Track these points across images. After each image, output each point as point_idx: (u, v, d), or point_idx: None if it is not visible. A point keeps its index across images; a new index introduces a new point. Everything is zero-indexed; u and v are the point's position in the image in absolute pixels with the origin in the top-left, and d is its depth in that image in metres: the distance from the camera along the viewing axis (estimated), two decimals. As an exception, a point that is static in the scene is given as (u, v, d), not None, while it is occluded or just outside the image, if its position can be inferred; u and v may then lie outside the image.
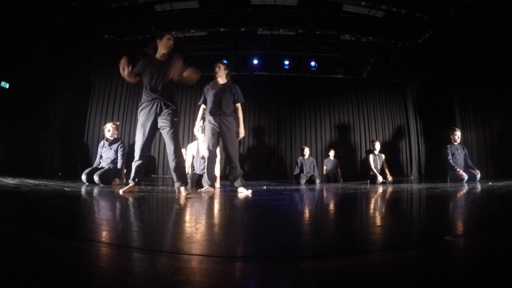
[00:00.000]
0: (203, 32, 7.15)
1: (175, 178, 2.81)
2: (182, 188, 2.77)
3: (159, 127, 2.81)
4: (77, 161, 6.24)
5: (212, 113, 3.26)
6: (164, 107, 2.78)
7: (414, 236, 1.26)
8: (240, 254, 0.98)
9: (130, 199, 2.41)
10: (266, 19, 6.65)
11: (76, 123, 6.39)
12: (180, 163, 2.81)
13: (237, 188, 3.23)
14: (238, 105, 3.36)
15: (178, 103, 3.06)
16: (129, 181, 2.85)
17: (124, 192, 2.71)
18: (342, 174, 6.87)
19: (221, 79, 3.41)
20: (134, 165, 2.84)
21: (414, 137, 8.18)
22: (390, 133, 8.71)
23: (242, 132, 3.30)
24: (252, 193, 3.08)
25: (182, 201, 2.37)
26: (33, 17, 4.93)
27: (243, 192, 3.09)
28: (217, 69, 3.40)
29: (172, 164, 2.79)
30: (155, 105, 2.78)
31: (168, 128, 2.76)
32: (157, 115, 2.78)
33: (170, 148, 2.77)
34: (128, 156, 4.15)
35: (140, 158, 2.80)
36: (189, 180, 3.88)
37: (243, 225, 1.61)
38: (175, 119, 2.81)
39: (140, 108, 2.85)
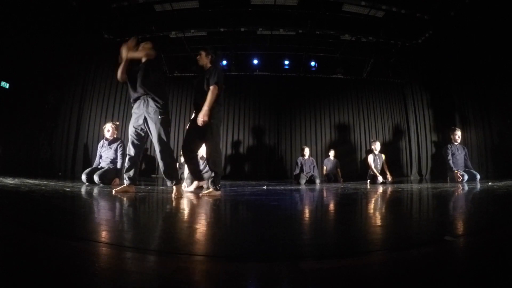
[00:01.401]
0: (203, 32, 7.14)
1: (165, 178, 2.76)
2: (175, 188, 2.68)
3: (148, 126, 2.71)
4: (77, 161, 6.24)
5: (194, 110, 2.98)
6: (152, 105, 2.67)
7: (414, 236, 1.26)
8: (240, 254, 0.98)
9: (130, 199, 2.40)
10: (266, 19, 6.64)
11: (76, 123, 6.38)
12: (167, 164, 2.68)
13: (208, 186, 2.86)
14: (211, 87, 2.79)
15: (169, 101, 2.94)
16: (124, 180, 2.83)
17: (116, 192, 2.68)
18: (342, 174, 6.87)
19: (205, 68, 3.01)
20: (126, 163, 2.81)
21: (414, 137, 8.18)
22: (390, 133, 8.70)
23: (201, 117, 2.72)
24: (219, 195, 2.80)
25: (176, 201, 2.37)
26: (33, 17, 4.93)
27: (208, 194, 2.80)
28: (198, 57, 3.03)
29: (160, 164, 2.72)
30: (143, 102, 2.71)
31: (154, 127, 2.64)
32: (145, 113, 2.69)
33: (156, 148, 2.68)
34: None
35: (129, 156, 2.77)
36: (189, 180, 3.88)
37: (243, 225, 1.61)
38: (160, 117, 2.64)
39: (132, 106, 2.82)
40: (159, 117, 2.64)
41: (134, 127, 2.76)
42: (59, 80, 5.92)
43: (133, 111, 2.81)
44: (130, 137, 2.78)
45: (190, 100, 8.43)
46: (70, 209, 1.94)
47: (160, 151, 2.65)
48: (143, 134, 2.79)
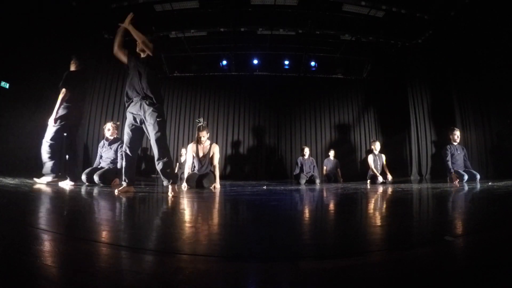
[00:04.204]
0: (203, 32, 7.14)
1: (162, 177, 2.78)
2: (170, 187, 2.72)
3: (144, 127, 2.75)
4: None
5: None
6: (148, 106, 2.69)
7: (414, 236, 1.26)
8: (240, 254, 0.98)
9: (130, 199, 2.40)
10: (266, 19, 6.64)
11: (75, 122, 6.37)
12: (165, 164, 2.72)
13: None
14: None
15: (164, 101, 3.03)
16: (123, 181, 2.84)
17: (119, 191, 2.69)
18: (342, 174, 6.87)
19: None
20: (122, 165, 2.84)
21: (414, 137, 8.17)
22: (390, 133, 8.70)
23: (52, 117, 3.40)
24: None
25: (170, 200, 2.37)
26: (33, 17, 4.92)
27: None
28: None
29: (157, 164, 2.74)
30: (139, 104, 2.72)
31: (152, 128, 2.68)
32: (143, 114, 2.71)
33: (154, 149, 2.71)
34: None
35: (126, 158, 2.78)
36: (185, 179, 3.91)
37: (243, 225, 1.61)
38: (158, 119, 2.68)
39: (127, 106, 2.80)
40: (157, 119, 2.68)
41: (130, 127, 2.77)
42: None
43: (128, 110, 2.79)
44: (126, 137, 2.78)
45: (190, 100, 8.44)
46: (70, 209, 1.94)
47: (158, 152, 2.70)
48: (139, 135, 2.82)
